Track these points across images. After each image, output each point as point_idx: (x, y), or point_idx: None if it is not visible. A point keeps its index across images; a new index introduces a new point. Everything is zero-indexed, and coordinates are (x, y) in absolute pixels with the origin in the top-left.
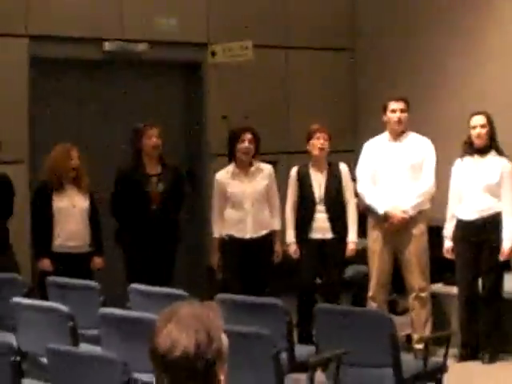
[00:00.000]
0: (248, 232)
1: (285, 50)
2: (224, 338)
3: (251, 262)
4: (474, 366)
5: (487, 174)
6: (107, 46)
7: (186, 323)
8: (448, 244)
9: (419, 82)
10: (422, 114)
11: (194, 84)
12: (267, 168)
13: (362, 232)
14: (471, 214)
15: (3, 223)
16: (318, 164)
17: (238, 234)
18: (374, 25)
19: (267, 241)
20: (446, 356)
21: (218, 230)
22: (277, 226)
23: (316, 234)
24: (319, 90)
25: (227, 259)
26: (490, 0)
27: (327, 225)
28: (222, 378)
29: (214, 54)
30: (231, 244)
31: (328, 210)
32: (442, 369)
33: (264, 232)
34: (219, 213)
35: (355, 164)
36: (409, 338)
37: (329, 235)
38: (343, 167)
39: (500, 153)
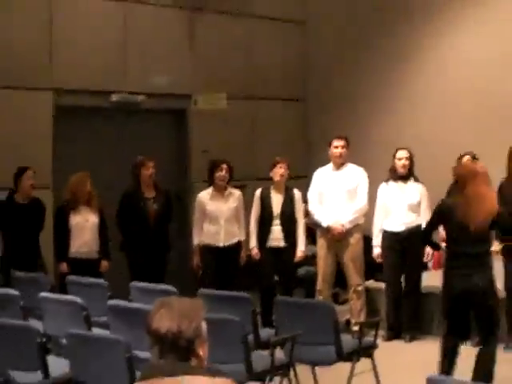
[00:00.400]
0: (221, 241)
1: (251, 100)
2: (204, 325)
3: (224, 264)
4: (398, 344)
5: (409, 195)
6: (114, 97)
7: (173, 310)
8: (377, 251)
9: (356, 124)
10: (359, 149)
11: (180, 126)
12: (237, 193)
13: (313, 241)
14: (399, 227)
15: (37, 236)
16: (278, 188)
17: (214, 243)
18: (321, 80)
19: (236, 248)
20: (375, 336)
21: (198, 239)
22: (242, 236)
23: (272, 243)
24: (279, 130)
25: (206, 262)
26: (412, 55)
27: (281, 236)
28: (201, 353)
29: (196, 103)
30: (209, 251)
31: (282, 224)
32: (373, 346)
33: (233, 241)
34: (199, 225)
35: (307, 187)
36: (348, 322)
37: (282, 244)
38: (297, 192)
39: (416, 180)
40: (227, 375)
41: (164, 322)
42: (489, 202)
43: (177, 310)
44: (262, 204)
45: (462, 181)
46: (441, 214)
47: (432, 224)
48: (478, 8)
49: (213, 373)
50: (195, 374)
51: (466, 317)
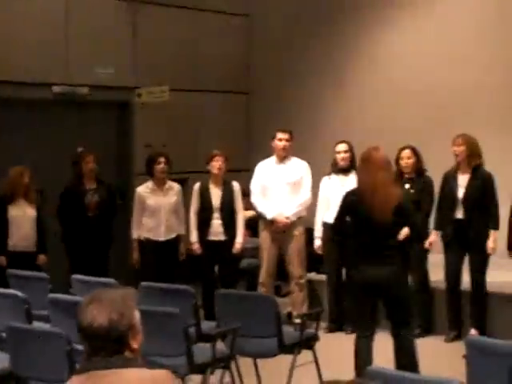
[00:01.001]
0: (162, 235)
1: (194, 93)
2: (136, 315)
3: (164, 258)
4: (340, 336)
5: (350, 188)
6: (56, 89)
7: (103, 305)
8: (318, 243)
9: (300, 119)
10: (303, 144)
11: (124, 119)
12: (177, 186)
13: (254, 234)
14: None
15: None
16: (216, 181)
17: (154, 237)
18: (265, 74)
19: (175, 242)
20: (317, 328)
21: (137, 233)
22: (182, 231)
23: (212, 237)
24: (222, 123)
25: (146, 256)
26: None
27: (221, 229)
28: (135, 346)
29: (139, 95)
30: (149, 245)
31: (222, 218)
32: (314, 338)
33: (173, 235)
34: (138, 219)
35: (249, 180)
36: (289, 314)
37: (222, 237)
38: (236, 185)
39: None
40: (164, 367)
41: (94, 318)
42: (384, 193)
43: (106, 304)
44: (201, 198)
45: (358, 170)
46: (348, 206)
47: (342, 215)
48: (425, 4)
49: (150, 365)
50: (133, 367)
51: (373, 308)
